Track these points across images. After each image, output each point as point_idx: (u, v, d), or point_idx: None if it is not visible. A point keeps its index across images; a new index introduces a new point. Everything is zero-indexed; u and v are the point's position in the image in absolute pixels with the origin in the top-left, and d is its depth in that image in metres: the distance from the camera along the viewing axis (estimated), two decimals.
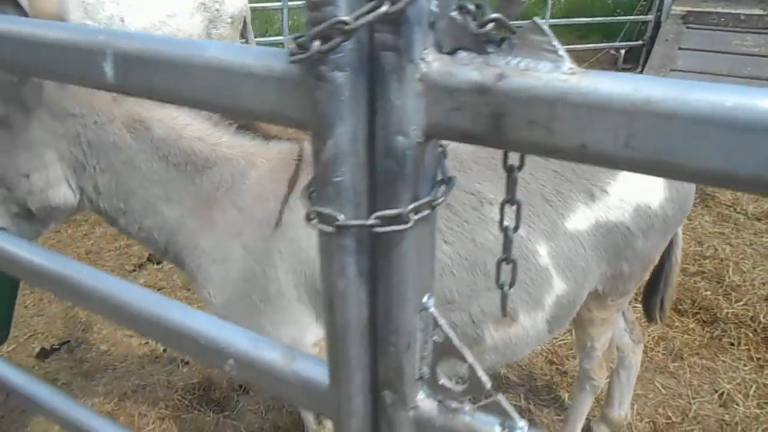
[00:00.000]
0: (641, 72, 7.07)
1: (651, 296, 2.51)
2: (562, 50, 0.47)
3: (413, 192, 0.55)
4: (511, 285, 0.76)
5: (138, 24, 5.14)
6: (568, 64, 0.47)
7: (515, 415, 0.60)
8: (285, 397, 0.93)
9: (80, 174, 1.72)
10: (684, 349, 3.15)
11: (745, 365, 3.05)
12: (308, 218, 0.59)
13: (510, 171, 0.65)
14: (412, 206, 0.56)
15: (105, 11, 5.25)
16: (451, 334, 0.62)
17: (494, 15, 0.49)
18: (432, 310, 0.61)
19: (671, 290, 2.46)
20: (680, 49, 6.85)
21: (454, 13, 0.49)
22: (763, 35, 6.83)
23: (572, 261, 1.80)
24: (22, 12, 1.52)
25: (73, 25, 0.71)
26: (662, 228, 1.93)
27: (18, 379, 1.19)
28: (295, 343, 1.77)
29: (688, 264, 3.77)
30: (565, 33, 8.92)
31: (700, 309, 3.41)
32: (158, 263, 3.96)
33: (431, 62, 0.50)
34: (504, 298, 0.77)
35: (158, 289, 3.71)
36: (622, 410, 2.64)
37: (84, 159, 1.70)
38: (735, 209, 4.49)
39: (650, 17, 8.04)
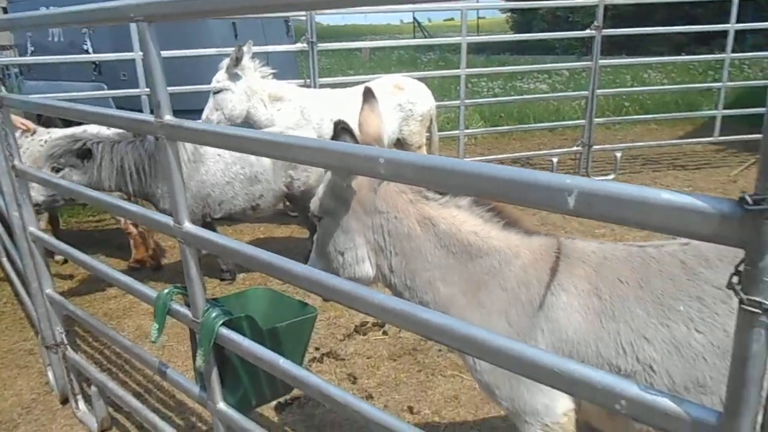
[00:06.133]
0: None
1: None
2: None
3: None
4: None
5: None
6: None
7: None
8: None
9: (379, 255, 2.19)
10: None
11: None
12: (741, 303, 0.90)
13: None
14: None
15: (317, 115, 6.15)
16: None
17: None
18: None
19: None
20: None
21: None
22: None
23: None
24: (355, 139, 2.04)
25: (539, 174, 1.08)
26: None
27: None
28: (547, 410, 2.03)
29: None
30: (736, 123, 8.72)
31: None
32: (364, 334, 4.43)
33: None
34: None
35: (367, 358, 4.16)
36: None
37: (383, 244, 2.17)
38: None
39: None
